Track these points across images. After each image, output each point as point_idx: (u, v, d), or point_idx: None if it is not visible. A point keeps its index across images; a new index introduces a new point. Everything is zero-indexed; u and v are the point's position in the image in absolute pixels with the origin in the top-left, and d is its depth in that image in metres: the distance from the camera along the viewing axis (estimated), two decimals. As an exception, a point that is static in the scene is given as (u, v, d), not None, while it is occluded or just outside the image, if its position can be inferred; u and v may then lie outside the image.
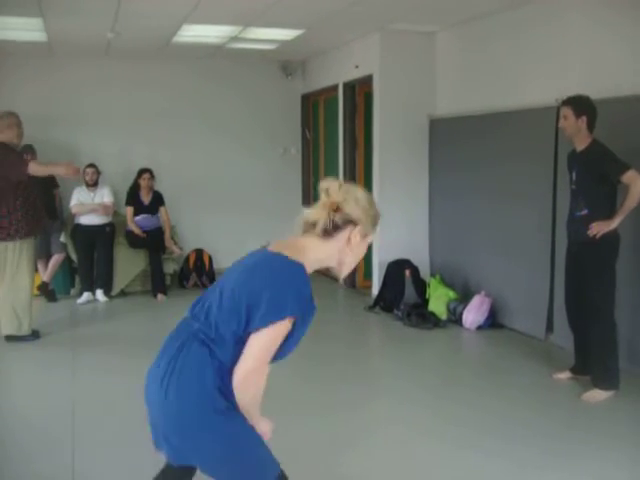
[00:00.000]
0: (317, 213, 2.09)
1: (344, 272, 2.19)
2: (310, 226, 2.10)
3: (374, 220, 2.14)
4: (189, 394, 2.00)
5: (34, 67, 7.99)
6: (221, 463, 2.07)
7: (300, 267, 2.01)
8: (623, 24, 4.81)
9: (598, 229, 4.18)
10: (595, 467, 3.48)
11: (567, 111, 4.29)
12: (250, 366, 1.97)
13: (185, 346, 2.05)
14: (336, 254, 2.13)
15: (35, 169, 5.60)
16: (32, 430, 3.98)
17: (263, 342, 1.97)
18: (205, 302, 2.12)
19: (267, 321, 1.94)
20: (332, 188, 2.09)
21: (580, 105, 4.27)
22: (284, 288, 1.96)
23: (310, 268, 2.08)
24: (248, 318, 1.97)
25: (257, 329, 1.96)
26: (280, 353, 2.05)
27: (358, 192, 2.12)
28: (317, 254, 2.10)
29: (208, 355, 2.01)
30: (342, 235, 2.10)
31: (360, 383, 4.84)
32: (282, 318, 1.95)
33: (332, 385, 4.77)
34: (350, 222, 2.09)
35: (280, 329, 1.96)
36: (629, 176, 4.08)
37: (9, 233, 5.53)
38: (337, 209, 2.07)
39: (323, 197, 2.10)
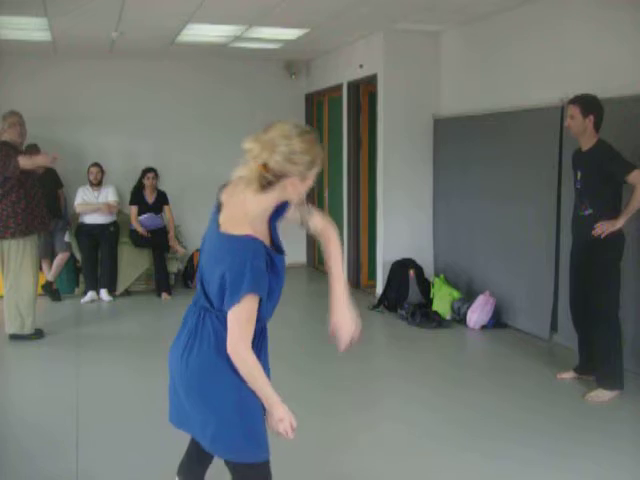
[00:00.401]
0: (248, 174, 2.07)
1: (295, 202, 2.21)
2: (247, 182, 2.09)
3: (310, 165, 2.09)
4: (208, 353, 2.13)
5: (38, 67, 8.00)
6: (224, 424, 2.14)
7: (247, 241, 2.04)
8: (626, 24, 4.79)
9: (603, 229, 4.16)
10: (599, 467, 3.47)
11: (574, 110, 4.26)
12: (232, 344, 2.06)
13: (200, 319, 2.18)
14: (281, 198, 2.13)
15: (24, 162, 5.63)
16: (35, 429, 3.98)
17: (235, 320, 2.05)
18: (199, 280, 2.23)
19: (233, 301, 2.02)
20: (254, 150, 2.04)
21: (588, 104, 4.24)
22: (240, 268, 2.01)
23: (261, 219, 2.13)
24: (222, 298, 2.07)
25: (228, 308, 2.05)
26: (269, 308, 2.16)
27: (285, 144, 2.02)
28: (261, 205, 2.12)
29: (223, 324, 2.10)
30: (279, 185, 2.07)
31: (363, 382, 4.84)
32: (241, 298, 2.01)
33: (334, 384, 4.77)
34: (282, 175, 2.05)
35: (246, 306, 2.03)
36: (635, 176, 4.07)
37: (16, 224, 5.56)
38: (265, 168, 2.03)
39: (248, 158, 2.05)
